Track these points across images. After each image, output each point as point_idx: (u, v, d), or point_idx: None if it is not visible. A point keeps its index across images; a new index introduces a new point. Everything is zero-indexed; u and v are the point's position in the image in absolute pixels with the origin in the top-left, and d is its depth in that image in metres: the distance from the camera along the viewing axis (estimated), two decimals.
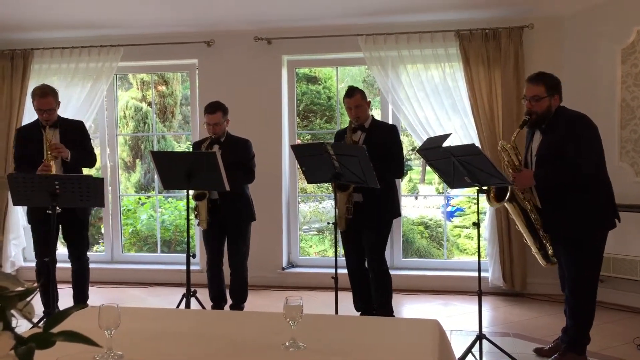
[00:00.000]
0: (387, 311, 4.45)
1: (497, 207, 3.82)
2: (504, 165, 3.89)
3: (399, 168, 4.45)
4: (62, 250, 4.88)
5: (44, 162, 4.35)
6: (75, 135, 4.65)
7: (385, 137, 4.36)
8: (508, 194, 3.64)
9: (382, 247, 4.45)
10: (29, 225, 6.54)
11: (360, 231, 4.37)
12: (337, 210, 4.27)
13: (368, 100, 4.48)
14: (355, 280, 4.55)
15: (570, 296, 3.71)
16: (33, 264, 6.35)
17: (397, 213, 4.59)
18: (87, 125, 6.16)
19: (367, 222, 4.33)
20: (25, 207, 4.80)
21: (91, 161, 4.81)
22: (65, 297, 4.79)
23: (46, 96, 4.46)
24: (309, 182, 4.56)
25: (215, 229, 4.69)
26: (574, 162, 3.51)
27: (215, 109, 4.62)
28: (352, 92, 4.38)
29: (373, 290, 4.49)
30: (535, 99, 3.61)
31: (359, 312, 4.57)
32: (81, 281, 4.77)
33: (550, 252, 3.77)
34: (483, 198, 3.83)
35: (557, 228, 3.66)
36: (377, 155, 4.17)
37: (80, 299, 4.74)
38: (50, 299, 4.29)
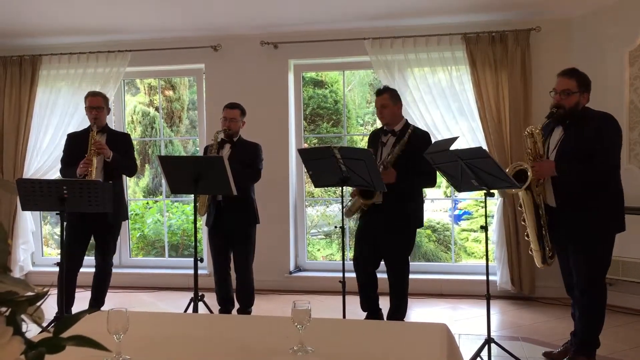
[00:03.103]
0: (401, 315, 4.43)
1: (513, 192, 3.79)
2: (525, 152, 3.82)
3: (430, 177, 4.25)
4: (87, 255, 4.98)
5: (86, 157, 4.56)
6: (120, 144, 4.86)
7: (415, 145, 4.20)
8: (528, 180, 3.59)
9: (405, 254, 4.43)
10: (37, 229, 6.66)
11: (380, 236, 4.35)
12: (350, 203, 4.26)
13: (398, 103, 4.43)
14: (364, 281, 4.52)
15: (581, 299, 3.68)
16: (41, 269, 6.50)
17: (420, 222, 4.49)
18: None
19: (392, 230, 4.29)
20: None
21: (132, 169, 5.00)
22: (82, 301, 4.85)
23: (97, 95, 4.89)
24: (316, 186, 4.56)
25: (221, 233, 4.71)
26: (600, 160, 3.49)
27: (234, 105, 4.79)
28: (380, 91, 4.40)
29: (390, 293, 4.45)
30: (566, 92, 3.60)
31: (365, 313, 4.54)
32: (101, 284, 4.86)
33: (548, 253, 3.76)
34: (491, 201, 3.82)
35: (569, 227, 3.64)
36: (404, 161, 4.15)
37: (97, 301, 4.80)
38: (61, 302, 4.35)
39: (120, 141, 4.90)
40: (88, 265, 4.91)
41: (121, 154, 4.78)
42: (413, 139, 4.26)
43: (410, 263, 6.04)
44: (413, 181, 4.24)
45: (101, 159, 4.67)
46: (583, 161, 3.53)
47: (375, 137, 4.52)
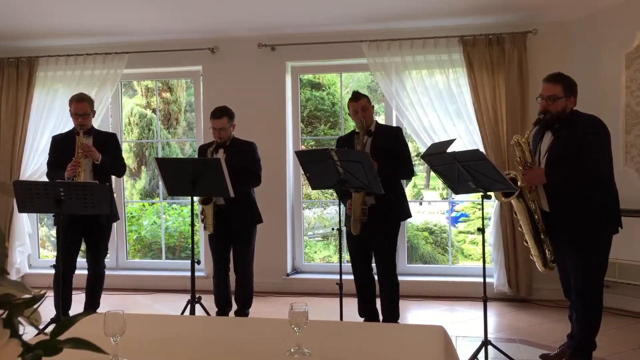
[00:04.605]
0: (394, 316, 4.45)
1: (505, 202, 3.82)
2: (515, 161, 3.87)
3: (409, 169, 4.46)
4: (81, 257, 4.96)
5: (74, 160, 4.52)
6: (107, 145, 4.81)
7: (391, 140, 4.40)
8: (517, 191, 3.62)
9: (393, 250, 4.46)
10: (33, 231, 6.64)
11: (368, 235, 4.37)
12: (352, 213, 4.27)
13: (372, 104, 4.52)
14: (362, 285, 4.54)
15: (577, 301, 3.69)
16: (38, 271, 6.48)
17: (408, 214, 4.58)
18: None
19: (378, 226, 4.33)
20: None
21: (120, 169, 4.98)
22: (78, 303, 4.84)
23: (82, 101, 4.73)
24: (313, 188, 4.57)
25: (222, 235, 4.70)
26: (590, 163, 3.50)
27: (221, 114, 4.65)
28: (358, 96, 4.43)
29: (381, 294, 4.48)
30: (552, 98, 3.60)
31: (363, 318, 4.56)
32: (95, 287, 4.84)
33: (549, 257, 3.76)
34: (487, 203, 3.82)
35: (565, 231, 3.65)
36: (385, 158, 4.19)
37: (91, 304, 4.78)
38: (59, 304, 4.34)
39: (107, 142, 4.84)
40: (83, 268, 4.88)
41: (109, 155, 4.74)
42: (388, 132, 4.49)
43: (406, 265, 6.12)
44: (396, 169, 4.32)
45: (89, 161, 4.65)
46: (572, 165, 3.54)
47: (346, 143, 4.52)
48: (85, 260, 4.89)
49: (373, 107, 4.53)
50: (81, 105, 4.70)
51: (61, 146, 4.77)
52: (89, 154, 4.58)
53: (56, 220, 4.71)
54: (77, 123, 4.70)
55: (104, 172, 4.73)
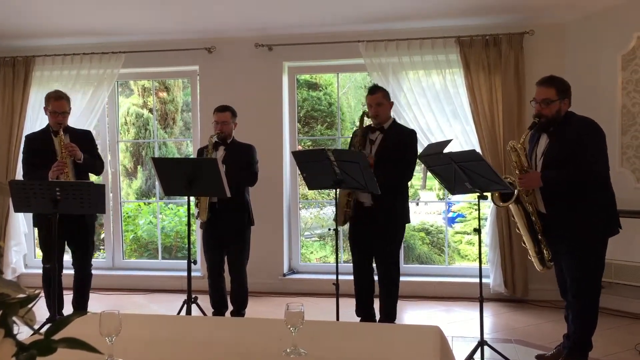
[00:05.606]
0: (391, 318, 4.44)
1: (503, 207, 3.83)
2: (511, 166, 3.88)
3: (408, 172, 4.42)
4: (67, 256, 4.91)
5: (59, 160, 4.46)
6: (83, 142, 4.73)
7: (401, 141, 4.35)
8: (514, 195, 3.63)
9: (396, 253, 4.45)
10: (29, 231, 6.62)
11: (371, 238, 4.36)
12: (338, 202, 4.26)
13: (391, 101, 4.49)
14: (361, 286, 4.54)
15: (574, 302, 3.69)
16: (34, 271, 6.46)
17: (407, 219, 4.55)
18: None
19: (380, 228, 4.32)
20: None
21: (99, 168, 4.93)
22: (70, 303, 4.80)
23: (61, 99, 4.65)
24: (310, 188, 4.57)
25: (216, 236, 4.70)
26: (586, 165, 3.50)
27: (225, 108, 4.77)
28: (375, 90, 4.42)
29: (381, 295, 4.47)
30: (546, 102, 3.61)
31: (360, 318, 4.55)
32: (83, 288, 4.80)
33: (547, 256, 3.77)
34: (484, 204, 3.83)
35: (561, 232, 3.65)
36: (391, 157, 4.17)
37: (80, 306, 4.74)
38: (52, 305, 4.31)
39: (83, 140, 4.77)
40: (68, 267, 4.82)
41: (87, 153, 4.68)
42: (400, 132, 4.44)
43: (403, 265, 6.11)
44: (396, 172, 4.27)
45: (70, 160, 4.57)
46: (568, 167, 3.54)
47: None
48: (70, 261, 4.80)
49: (391, 103, 4.50)
50: (60, 104, 4.61)
51: (37, 145, 4.67)
52: (72, 153, 4.52)
53: (35, 221, 4.69)
54: (55, 121, 4.60)
55: (83, 170, 4.68)
